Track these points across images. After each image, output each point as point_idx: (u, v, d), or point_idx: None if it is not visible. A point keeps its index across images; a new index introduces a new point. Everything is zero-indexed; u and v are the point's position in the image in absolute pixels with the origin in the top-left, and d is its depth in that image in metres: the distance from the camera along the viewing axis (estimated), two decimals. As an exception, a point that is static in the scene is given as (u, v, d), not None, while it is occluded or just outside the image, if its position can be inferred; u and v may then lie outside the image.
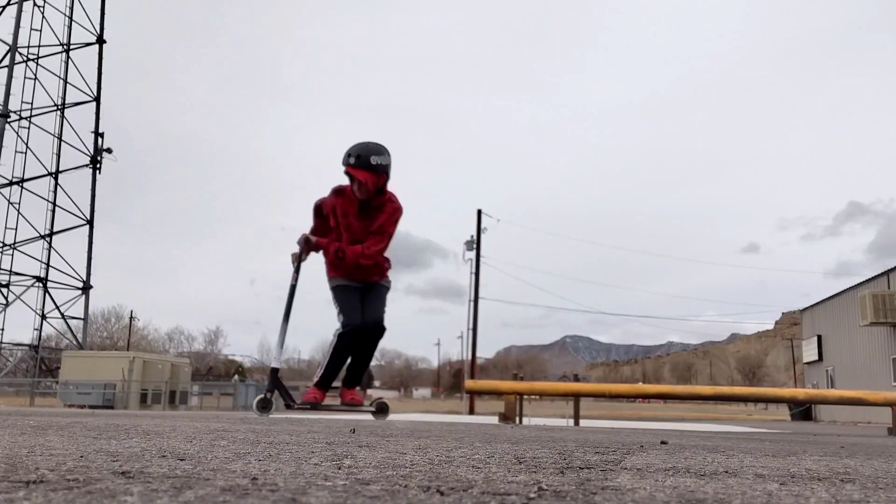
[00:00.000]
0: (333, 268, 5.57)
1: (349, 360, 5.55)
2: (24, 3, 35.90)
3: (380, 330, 5.50)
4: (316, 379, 5.56)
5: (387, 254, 5.61)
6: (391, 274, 5.70)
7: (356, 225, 5.41)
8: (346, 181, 5.40)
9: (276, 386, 5.43)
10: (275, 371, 5.51)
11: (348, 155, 5.26)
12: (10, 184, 35.45)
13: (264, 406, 5.35)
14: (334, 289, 5.55)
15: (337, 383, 5.63)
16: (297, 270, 5.64)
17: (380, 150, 5.32)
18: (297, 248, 5.61)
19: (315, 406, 5.51)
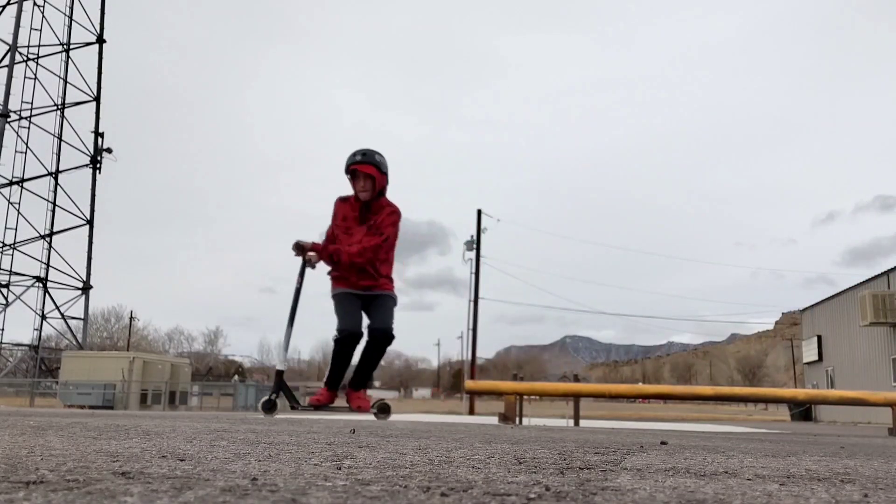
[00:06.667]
0: (334, 275, 5.62)
1: (358, 363, 5.57)
2: (24, 3, 35.92)
3: (388, 338, 5.50)
4: (324, 379, 5.66)
5: (394, 275, 5.64)
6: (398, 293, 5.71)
7: (355, 229, 5.53)
8: (348, 190, 5.53)
9: (280, 388, 5.50)
10: (280, 373, 5.59)
11: (353, 155, 5.48)
12: (10, 184, 35.46)
13: (270, 407, 5.42)
14: (334, 297, 5.60)
15: (344, 383, 5.67)
16: (301, 274, 5.67)
17: (381, 154, 5.57)
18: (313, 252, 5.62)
19: (318, 407, 5.55)
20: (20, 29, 35.44)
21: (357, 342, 5.46)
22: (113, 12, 54.38)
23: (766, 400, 10.28)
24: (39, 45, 36.95)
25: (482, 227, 34.99)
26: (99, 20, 39.02)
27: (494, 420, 9.12)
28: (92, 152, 38.23)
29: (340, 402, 5.87)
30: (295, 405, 5.57)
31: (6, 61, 34.87)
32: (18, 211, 35.72)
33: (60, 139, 37.50)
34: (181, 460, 1.44)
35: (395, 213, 5.49)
